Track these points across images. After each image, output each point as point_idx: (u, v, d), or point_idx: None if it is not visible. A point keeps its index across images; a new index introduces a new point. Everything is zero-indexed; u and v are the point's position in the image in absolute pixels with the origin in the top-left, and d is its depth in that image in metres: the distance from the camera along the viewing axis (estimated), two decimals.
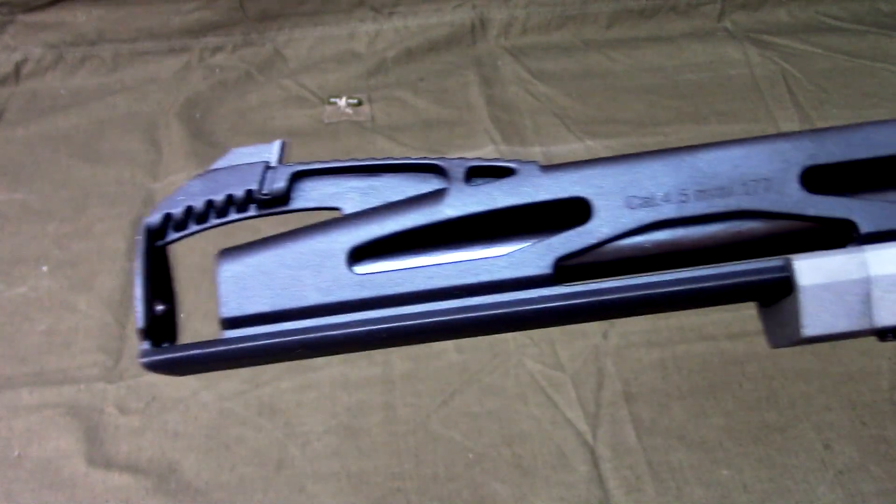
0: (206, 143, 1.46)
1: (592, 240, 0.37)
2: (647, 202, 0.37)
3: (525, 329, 0.38)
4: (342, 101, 1.55)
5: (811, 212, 0.37)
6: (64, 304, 1.22)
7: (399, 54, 1.63)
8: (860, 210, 0.37)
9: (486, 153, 1.41)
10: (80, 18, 1.63)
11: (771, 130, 1.43)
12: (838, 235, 0.37)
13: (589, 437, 1.01)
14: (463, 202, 0.38)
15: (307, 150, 1.44)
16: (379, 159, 0.39)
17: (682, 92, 1.54)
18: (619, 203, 0.37)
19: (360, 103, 1.55)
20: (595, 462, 0.98)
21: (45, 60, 1.61)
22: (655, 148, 0.40)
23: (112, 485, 0.99)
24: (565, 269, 0.37)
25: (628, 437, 1.00)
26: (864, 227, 0.37)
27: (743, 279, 0.37)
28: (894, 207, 0.37)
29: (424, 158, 0.39)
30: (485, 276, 0.37)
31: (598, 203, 0.37)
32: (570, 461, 0.99)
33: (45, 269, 1.27)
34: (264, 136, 1.48)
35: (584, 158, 0.39)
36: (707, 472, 0.97)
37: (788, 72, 1.55)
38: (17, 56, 1.61)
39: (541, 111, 1.51)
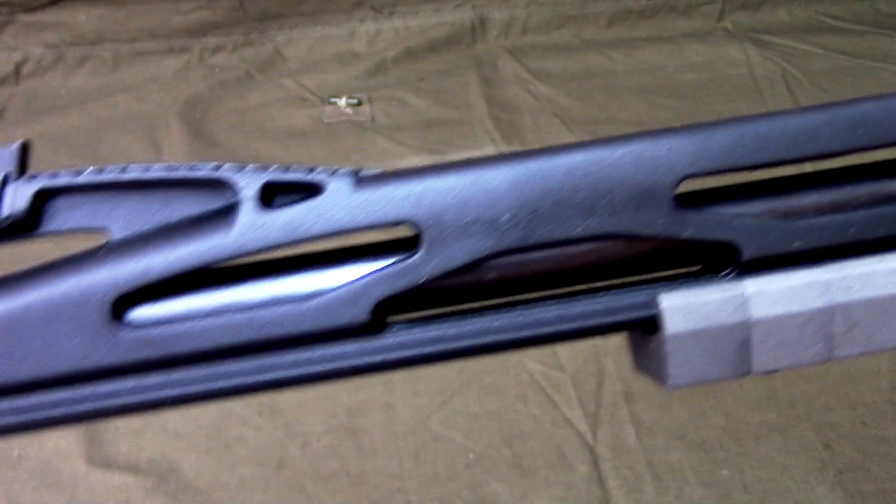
0: (206, 143, 1.46)
1: (419, 277, 0.30)
2: (489, 226, 0.29)
3: (340, 381, 0.31)
4: (342, 101, 1.55)
5: (686, 234, 0.30)
6: None
7: (399, 54, 1.64)
8: (744, 231, 0.30)
9: (486, 153, 1.41)
10: (80, 18, 1.63)
11: None
12: (720, 257, 0.31)
13: (589, 437, 1.01)
14: (255, 232, 0.29)
15: (307, 150, 1.44)
16: (155, 168, 0.30)
17: (682, 92, 1.54)
18: (454, 229, 0.29)
19: (360, 103, 1.55)
20: (595, 462, 0.98)
21: (45, 60, 1.61)
22: None
23: (112, 485, 0.99)
24: (392, 304, 0.30)
25: (628, 437, 1.00)
26: (748, 252, 0.30)
27: (599, 321, 0.31)
28: (783, 226, 0.30)
29: (210, 169, 0.30)
30: (287, 328, 0.30)
31: (426, 230, 0.30)
32: (570, 461, 0.99)
33: None
34: (264, 136, 1.48)
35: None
36: (707, 472, 0.97)
37: (788, 72, 1.55)
38: (17, 56, 1.61)
39: (541, 111, 1.51)
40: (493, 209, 0.29)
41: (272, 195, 0.30)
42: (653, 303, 0.30)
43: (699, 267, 0.32)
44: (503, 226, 0.29)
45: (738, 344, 0.30)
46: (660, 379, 0.30)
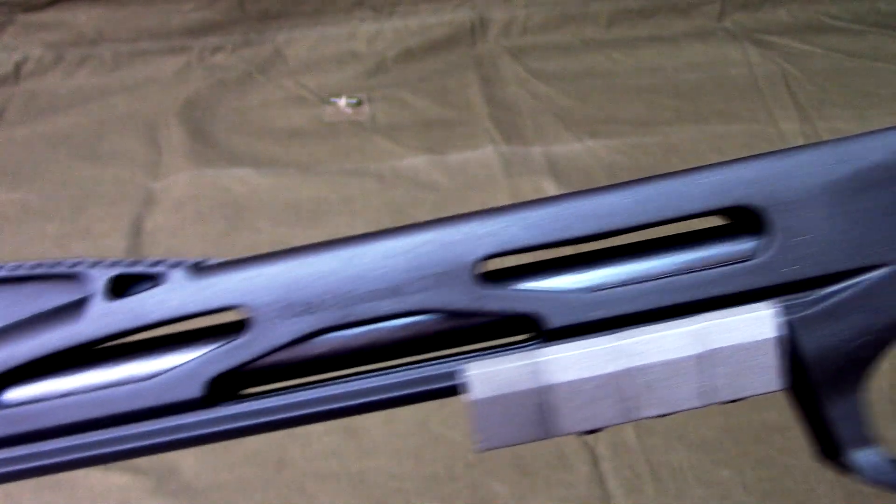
0: (206, 143, 1.46)
1: (247, 355, 0.33)
2: (310, 308, 0.33)
3: (183, 449, 0.35)
4: (342, 101, 1.55)
5: (491, 307, 0.33)
6: None
7: (399, 54, 1.64)
8: (545, 302, 0.33)
9: (486, 153, 1.41)
10: (80, 18, 1.63)
11: (771, 130, 1.43)
12: (526, 328, 0.34)
13: (589, 437, 1.00)
14: (103, 320, 0.33)
15: (307, 150, 1.44)
16: (24, 266, 0.34)
17: (682, 92, 1.54)
18: (279, 311, 0.33)
19: (360, 103, 1.55)
20: (595, 462, 0.98)
21: (45, 60, 1.61)
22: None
23: (112, 485, 0.99)
24: (228, 380, 0.34)
25: (628, 437, 1.00)
26: (550, 322, 0.33)
27: (415, 390, 0.34)
28: (582, 298, 0.33)
29: (68, 266, 0.34)
30: (135, 404, 0.33)
31: (254, 313, 0.33)
32: (570, 461, 0.99)
33: None
34: (264, 136, 1.48)
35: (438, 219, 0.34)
36: (707, 472, 0.97)
37: (788, 72, 1.55)
38: (17, 56, 1.61)
39: (541, 111, 1.51)
40: (313, 292, 0.33)
41: (127, 285, 0.34)
42: (459, 373, 0.33)
43: (509, 338, 0.35)
44: (323, 307, 0.33)
45: (537, 408, 0.33)
46: (473, 441, 0.33)
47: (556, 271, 0.35)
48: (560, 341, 0.33)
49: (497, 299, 0.33)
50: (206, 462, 1.01)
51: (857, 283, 0.33)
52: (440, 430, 1.03)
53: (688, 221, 0.34)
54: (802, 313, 0.33)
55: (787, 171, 0.33)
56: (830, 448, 0.36)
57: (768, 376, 0.33)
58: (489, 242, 0.33)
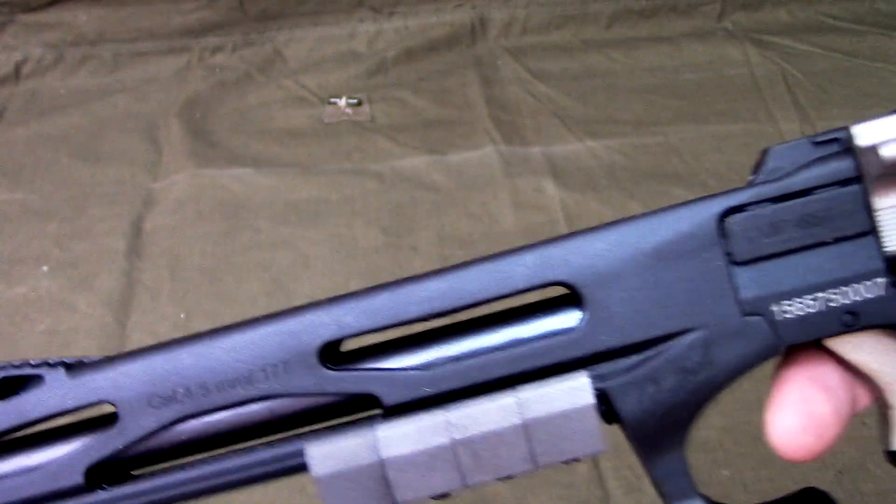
0: (206, 143, 1.46)
1: (118, 444, 0.37)
2: (169, 400, 0.37)
3: None
4: (342, 101, 1.55)
5: (334, 388, 0.36)
6: (64, 304, 1.22)
7: (399, 54, 1.64)
8: (382, 381, 0.36)
9: (486, 153, 1.41)
10: (80, 18, 1.63)
11: (771, 130, 1.43)
12: (368, 406, 0.37)
13: None
14: None
15: (307, 150, 1.44)
16: None
17: (682, 92, 1.54)
18: (141, 404, 0.37)
19: (360, 103, 1.55)
20: (595, 462, 0.98)
21: (45, 60, 1.61)
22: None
23: None
24: (110, 466, 0.38)
25: None
26: (387, 399, 0.36)
27: (268, 468, 0.38)
28: (415, 376, 0.36)
29: None
30: (22, 493, 0.37)
31: (122, 407, 0.37)
32: None
33: (45, 269, 1.27)
34: (264, 136, 1.48)
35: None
36: (707, 472, 0.97)
37: (788, 72, 1.55)
38: (17, 56, 1.61)
39: (541, 111, 1.51)
40: (170, 385, 0.37)
41: (12, 385, 0.38)
42: (301, 452, 0.37)
43: (355, 416, 0.38)
44: (179, 398, 0.37)
45: (380, 480, 0.35)
46: None
47: (397, 351, 0.37)
48: (397, 417, 0.36)
49: (339, 381, 0.36)
50: None
51: (668, 348, 0.36)
52: None
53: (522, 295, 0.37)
54: (619, 380, 0.36)
55: (599, 248, 0.35)
56: (664, 498, 0.39)
57: (592, 439, 0.36)
58: (330, 330, 0.36)
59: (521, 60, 1.63)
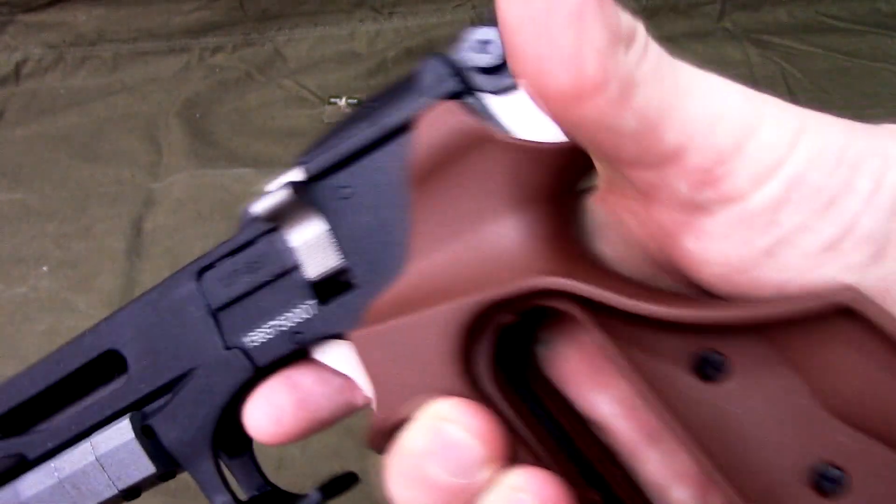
0: (206, 143, 1.46)
1: None
2: None
3: None
4: (342, 101, 1.55)
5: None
6: (64, 304, 1.22)
7: (399, 54, 1.63)
8: (26, 445, 0.48)
9: None
10: (80, 18, 1.63)
11: None
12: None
13: None
14: None
15: None
16: None
17: None
18: None
19: (360, 103, 1.55)
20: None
21: (45, 60, 1.61)
22: None
23: None
24: None
25: None
26: (30, 454, 0.48)
27: None
28: (24, 438, 0.48)
29: None
30: None
31: None
32: None
33: (45, 269, 1.27)
34: (264, 136, 1.48)
35: None
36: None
37: (788, 72, 1.55)
38: (17, 56, 1.61)
39: None
40: None
41: None
42: None
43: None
44: None
45: None
46: None
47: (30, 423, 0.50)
48: (29, 471, 0.48)
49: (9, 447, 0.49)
50: None
51: (185, 384, 0.44)
52: None
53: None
54: (156, 416, 0.45)
55: (126, 320, 0.46)
56: (205, 494, 0.48)
57: (144, 463, 0.45)
58: None
59: None
